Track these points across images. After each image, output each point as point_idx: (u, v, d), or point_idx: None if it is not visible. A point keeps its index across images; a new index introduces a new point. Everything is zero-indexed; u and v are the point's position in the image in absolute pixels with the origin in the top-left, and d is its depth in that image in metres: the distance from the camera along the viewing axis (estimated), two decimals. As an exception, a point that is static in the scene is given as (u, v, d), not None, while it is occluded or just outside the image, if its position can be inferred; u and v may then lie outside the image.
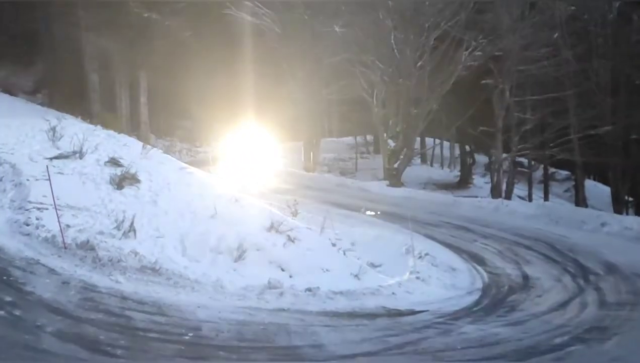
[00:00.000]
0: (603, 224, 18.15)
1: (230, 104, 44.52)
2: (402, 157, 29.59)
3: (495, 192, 28.20)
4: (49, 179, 11.06)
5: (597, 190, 32.06)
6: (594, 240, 16.64)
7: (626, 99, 27.00)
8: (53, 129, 14.92)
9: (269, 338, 8.61)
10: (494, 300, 11.64)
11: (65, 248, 10.23)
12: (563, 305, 11.23)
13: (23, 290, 8.70)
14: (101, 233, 10.80)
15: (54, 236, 10.39)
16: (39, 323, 7.73)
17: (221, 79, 38.67)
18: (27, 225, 10.70)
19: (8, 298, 8.22)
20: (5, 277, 8.95)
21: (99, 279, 9.54)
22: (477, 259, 14.92)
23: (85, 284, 9.25)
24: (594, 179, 35.62)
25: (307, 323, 9.38)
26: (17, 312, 7.93)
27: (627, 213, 24.80)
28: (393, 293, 11.37)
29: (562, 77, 27.68)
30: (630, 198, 28.03)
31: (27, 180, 12.18)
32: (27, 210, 11.12)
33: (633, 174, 27.43)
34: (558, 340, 9.22)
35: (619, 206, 26.78)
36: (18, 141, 14.93)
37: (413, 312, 10.53)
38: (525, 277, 13.18)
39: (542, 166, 32.73)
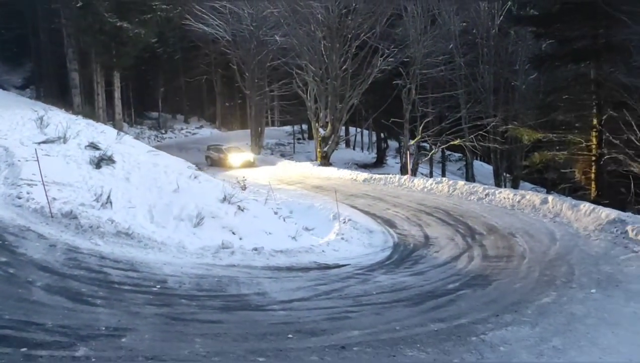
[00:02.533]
0: (487, 195, 18.58)
1: (190, 98, 43.87)
2: (330, 142, 29.79)
3: (403, 170, 28.63)
4: (38, 160, 10.78)
5: (482, 169, 32.91)
6: (480, 208, 17.02)
7: (504, 97, 27.76)
8: (41, 118, 14.50)
9: (222, 288, 8.60)
10: (402, 256, 11.87)
11: (52, 217, 10.01)
12: (455, 258, 11.51)
13: (16, 252, 8.49)
14: (83, 204, 10.59)
15: (42, 207, 10.17)
16: (30, 279, 7.57)
17: (182, 78, 38.08)
18: (19, 198, 10.44)
19: (3, 259, 8.03)
20: (0, 242, 8.70)
21: (81, 242, 9.37)
22: (389, 223, 15.15)
23: (69, 247, 9.06)
24: (480, 160, 36.45)
25: (253, 276, 9.40)
26: (11, 270, 7.75)
27: (505, 186, 25.49)
28: (323, 251, 11.49)
29: (455, 78, 28.32)
30: (507, 174, 28.84)
31: (19, 161, 11.85)
32: (19, 186, 10.84)
33: (509, 155, 28.22)
34: (451, 286, 9.48)
35: (498, 181, 27.63)
36: (10, 128, 14.43)
37: (338, 266, 10.67)
38: (427, 237, 13.45)
39: (440, 149, 33.30)
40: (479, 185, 20.08)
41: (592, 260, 10.97)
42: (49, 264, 8.23)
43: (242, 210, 12.28)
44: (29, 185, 10.80)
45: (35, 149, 11.52)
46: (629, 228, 12.58)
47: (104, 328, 6.58)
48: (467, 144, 28.53)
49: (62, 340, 6.14)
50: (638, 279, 9.86)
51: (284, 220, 13.37)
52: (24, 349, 5.80)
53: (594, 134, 22.41)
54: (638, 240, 12.02)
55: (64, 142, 13.27)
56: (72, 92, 29.65)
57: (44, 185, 10.45)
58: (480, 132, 27.82)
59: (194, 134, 42.08)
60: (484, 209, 16.77)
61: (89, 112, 23.24)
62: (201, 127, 43.96)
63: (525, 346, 7.01)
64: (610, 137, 19.89)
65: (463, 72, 28.09)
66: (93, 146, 13.27)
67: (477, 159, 32.13)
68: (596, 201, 15.55)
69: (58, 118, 15.41)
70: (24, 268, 7.93)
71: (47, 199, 10.23)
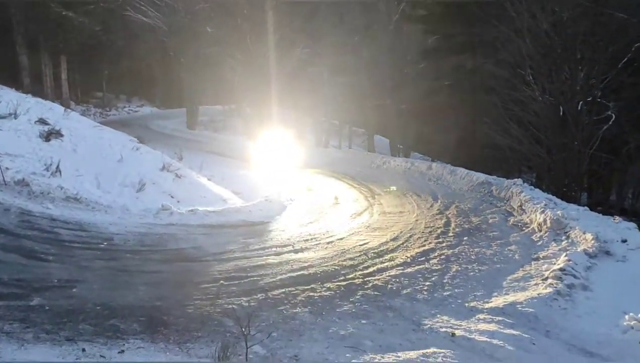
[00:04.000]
0: (384, 163, 19.05)
1: (131, 80, 41.93)
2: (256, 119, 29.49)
3: (317, 143, 28.80)
4: (-10, 134, 10.01)
5: (381, 141, 33.46)
6: (379, 173, 17.43)
7: (399, 82, 28.23)
8: (-9, 96, 13.38)
9: (163, 244, 8.42)
10: (316, 213, 11.83)
11: (5, 184, 9.36)
12: (359, 214, 11.72)
13: (-29, 216, 7.92)
14: (34, 173, 9.96)
15: (-5, 176, 9.47)
16: (-14, 240, 7.10)
17: (124, 62, 36.42)
18: (-27, 168, 9.65)
19: (-41, 223, 7.48)
20: (-44, 208, 8.10)
21: (33, 207, 8.84)
22: (306, 187, 15.14)
23: (22, 210, 8.54)
24: (380, 134, 37.13)
25: (190, 232, 9.24)
26: (-33, 233, 7.24)
27: (399, 156, 26.14)
28: (250, 211, 11.34)
29: (361, 67, 28.45)
30: (401, 146, 29.57)
31: (-28, 135, 10.92)
32: (-28, 157, 10.01)
33: (403, 130, 28.90)
34: (356, 237, 9.65)
35: (393, 151, 28.28)
36: (-38, 106, 13.22)
37: (263, 223, 10.64)
38: (336, 197, 13.46)
39: (347, 125, 33.65)
40: (378, 155, 20.51)
41: (464, 214, 11.56)
42: (4, 226, 7.73)
43: (180, 177, 11.97)
44: (-18, 156, 10.02)
45: (-13, 124, 10.69)
46: (493, 188, 13.34)
47: (56, 281, 6.32)
48: (369, 120, 29.04)
49: (18, 292, 5.85)
50: (499, 228, 10.53)
51: (216, 185, 13.16)
52: (-19, 301, 5.49)
53: (469, 113, 23.38)
54: (500, 198, 12.77)
55: (15, 118, 12.32)
56: (22, 73, 27.71)
57: (-4, 156, 9.75)
58: (380, 111, 28.32)
59: (136, 111, 40.29)
60: (382, 174, 17.19)
61: (38, 91, 21.72)
62: (142, 105, 42.16)
63: (412, 283, 7.36)
64: (482, 116, 20.82)
65: (367, 61, 28.33)
66: (42, 121, 12.41)
67: (377, 134, 32.68)
68: (470, 167, 16.28)
69: (9, 96, 14.24)
70: (-20, 230, 7.43)
71: (0, 169, 9.55)
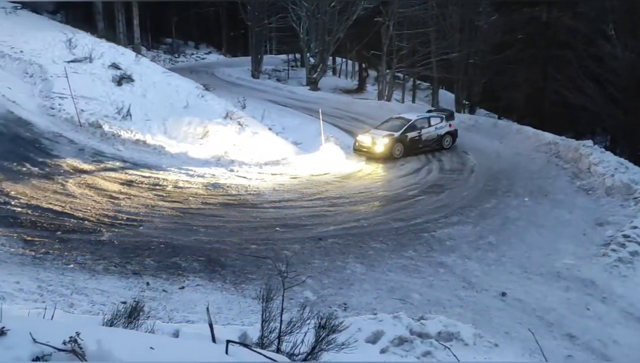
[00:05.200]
0: (447, 119, 18.43)
1: (200, 27, 42.46)
2: (319, 70, 29.19)
3: (380, 96, 28.30)
4: (67, 77, 10.54)
5: (446, 96, 32.50)
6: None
7: (468, 36, 27.02)
8: (69, 40, 13.99)
9: (223, 190, 8.70)
10: (373, 167, 11.81)
11: (81, 126, 9.96)
12: (416, 171, 11.51)
13: (51, 153, 8.54)
14: (106, 116, 10.49)
15: (72, 117, 10.09)
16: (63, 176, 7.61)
17: (193, 8, 36.90)
18: (52, 108, 10.35)
19: (40, 159, 8.08)
20: (37, 145, 8.75)
21: (106, 148, 9.38)
22: (364, 140, 14.99)
23: (95, 151, 9.08)
24: (445, 89, 36.02)
25: (249, 180, 9.47)
26: (47, 169, 7.78)
27: (463, 112, 25.32)
28: (307, 162, 11.34)
29: (427, 18, 27.36)
30: (466, 102, 28.61)
31: (51, 76, 11.56)
32: (52, 98, 10.68)
33: (469, 85, 27.87)
34: (411, 193, 9.62)
35: (459, 107, 27.38)
36: (43, 48, 13.89)
37: (320, 174, 10.70)
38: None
39: (411, 79, 32.81)
40: (441, 110, 19.77)
41: (528, 175, 11.15)
42: (79, 165, 8.25)
43: (242, 126, 12.17)
44: (60, 98, 10.61)
45: (65, 67, 11.21)
46: (560, 149, 12.74)
47: (125, 219, 6.72)
48: (435, 74, 28.10)
49: (90, 227, 6.28)
50: (563, 191, 10.10)
51: (277, 134, 13.28)
52: (58, 233, 5.95)
53: (540, 69, 22.17)
54: (567, 159, 12.19)
55: (90, 62, 12.88)
56: (96, 17, 28.62)
57: (73, 98, 10.30)
58: (446, 65, 27.33)
59: (203, 58, 40.92)
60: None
61: (111, 35, 22.36)
62: (209, 53, 42.74)
63: (466, 241, 7.28)
64: (553, 73, 19.70)
65: (434, 12, 27.16)
66: (115, 66, 12.90)
67: (442, 88, 31.68)
68: (537, 126, 15.56)
69: (84, 40, 14.83)
70: (58, 167, 7.97)
71: (76, 110, 10.11)
